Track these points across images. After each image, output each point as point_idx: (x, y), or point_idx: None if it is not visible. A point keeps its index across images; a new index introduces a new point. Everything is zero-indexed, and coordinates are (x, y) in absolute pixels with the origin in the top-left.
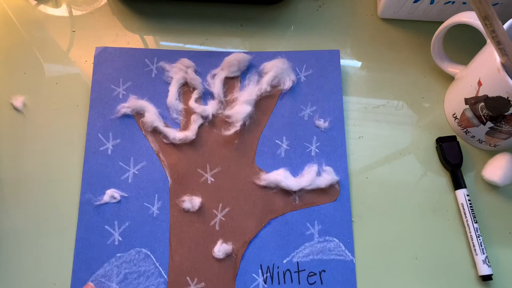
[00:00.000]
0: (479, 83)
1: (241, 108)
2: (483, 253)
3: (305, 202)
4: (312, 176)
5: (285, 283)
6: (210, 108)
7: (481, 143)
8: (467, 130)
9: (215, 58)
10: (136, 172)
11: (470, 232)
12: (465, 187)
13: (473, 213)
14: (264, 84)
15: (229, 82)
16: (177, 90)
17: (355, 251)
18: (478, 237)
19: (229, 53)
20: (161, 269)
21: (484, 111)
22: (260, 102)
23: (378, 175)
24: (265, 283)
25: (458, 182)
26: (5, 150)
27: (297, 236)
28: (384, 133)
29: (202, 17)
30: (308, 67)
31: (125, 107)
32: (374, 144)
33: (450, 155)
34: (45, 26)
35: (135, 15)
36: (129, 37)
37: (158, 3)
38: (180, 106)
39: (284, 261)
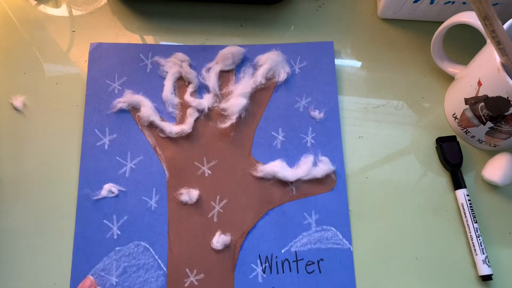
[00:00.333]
0: (479, 83)
1: (236, 101)
2: (483, 253)
3: (302, 192)
4: (308, 167)
5: (283, 272)
6: (206, 101)
7: (481, 143)
8: (467, 130)
9: (210, 52)
10: (133, 167)
11: (470, 232)
12: (465, 187)
13: (473, 213)
14: (259, 76)
15: (224, 76)
16: (172, 84)
17: (353, 244)
18: (478, 237)
19: (223, 47)
20: (160, 262)
21: (484, 111)
22: (255, 95)
23: (378, 175)
24: (264, 273)
25: (458, 182)
26: (5, 150)
27: (294, 226)
28: (384, 133)
29: (202, 17)
30: (302, 59)
31: (121, 102)
32: (374, 144)
33: (450, 155)
34: (45, 26)
35: (135, 15)
36: (129, 37)
37: (158, 3)
38: (176, 100)
39: (283, 251)
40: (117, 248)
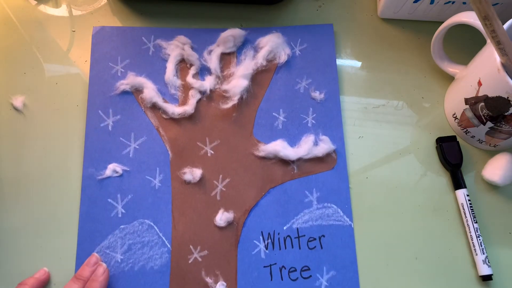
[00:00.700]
0: (479, 83)
1: (238, 82)
2: (483, 253)
3: (303, 171)
4: (309, 146)
5: (285, 248)
6: (208, 83)
7: (481, 143)
8: (467, 130)
9: (211, 35)
10: (137, 147)
11: (470, 232)
12: (465, 187)
13: (473, 213)
14: (260, 58)
15: (225, 58)
16: (174, 66)
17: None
18: (478, 237)
19: (224, 30)
20: (164, 239)
21: (484, 111)
22: (257, 76)
23: (378, 175)
24: (266, 249)
25: (458, 182)
26: (5, 150)
27: (296, 204)
28: (384, 133)
29: (202, 17)
30: (303, 41)
31: (124, 84)
32: (374, 144)
33: (450, 155)
34: (45, 26)
35: (135, 15)
36: None
37: (158, 3)
38: (178, 82)
39: (285, 228)
40: (122, 226)
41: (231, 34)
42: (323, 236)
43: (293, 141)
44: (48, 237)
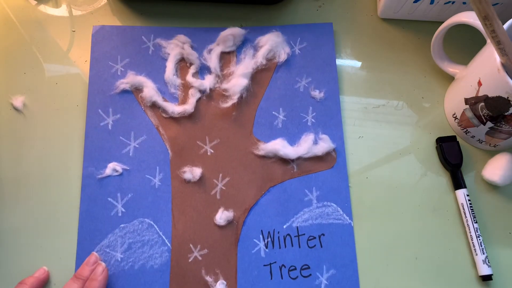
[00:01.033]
0: (479, 83)
1: (237, 81)
2: (483, 253)
3: (303, 170)
4: (309, 145)
5: (285, 247)
6: (207, 82)
7: (481, 143)
8: (467, 130)
9: (211, 34)
10: (137, 146)
11: (470, 232)
12: (465, 187)
13: (473, 213)
14: (260, 57)
15: (225, 57)
16: (174, 65)
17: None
18: (478, 237)
19: (224, 29)
20: (164, 238)
21: (484, 111)
22: (256, 75)
23: (378, 175)
24: (266, 247)
25: (458, 182)
26: (5, 150)
27: (296, 202)
28: (384, 133)
29: (202, 17)
30: (302, 40)
31: (124, 83)
32: (374, 144)
33: (450, 155)
34: (45, 26)
35: (135, 15)
36: None
37: (158, 3)
38: (178, 81)
39: (284, 226)
40: (122, 225)
41: (231, 33)
42: (323, 234)
43: (292, 140)
44: (48, 237)
